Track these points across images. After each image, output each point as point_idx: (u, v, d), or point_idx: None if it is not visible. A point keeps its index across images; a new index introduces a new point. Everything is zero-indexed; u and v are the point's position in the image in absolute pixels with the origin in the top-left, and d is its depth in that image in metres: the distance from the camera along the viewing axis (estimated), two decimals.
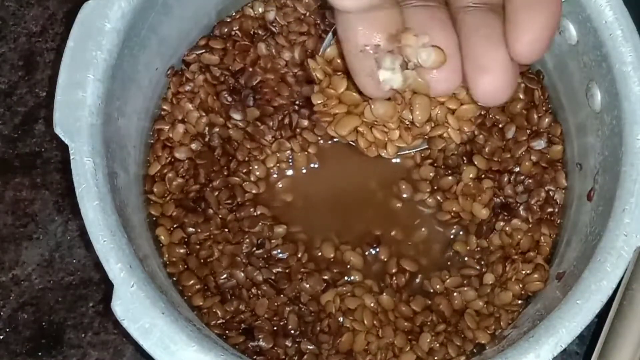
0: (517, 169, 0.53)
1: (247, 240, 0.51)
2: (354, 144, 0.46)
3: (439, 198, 0.53)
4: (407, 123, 0.45)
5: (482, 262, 0.52)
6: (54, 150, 0.58)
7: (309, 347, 0.49)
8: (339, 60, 0.45)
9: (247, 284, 0.51)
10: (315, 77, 0.46)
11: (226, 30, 0.55)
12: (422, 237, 0.53)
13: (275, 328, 0.50)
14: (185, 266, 0.51)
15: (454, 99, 0.45)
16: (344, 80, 0.45)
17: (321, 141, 0.54)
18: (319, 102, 0.46)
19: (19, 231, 0.57)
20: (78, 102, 0.43)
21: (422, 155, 0.54)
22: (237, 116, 0.54)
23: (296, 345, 0.50)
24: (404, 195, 0.54)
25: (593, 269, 0.43)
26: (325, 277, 0.51)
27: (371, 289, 0.51)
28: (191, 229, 0.51)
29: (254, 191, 0.53)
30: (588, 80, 0.48)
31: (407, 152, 0.47)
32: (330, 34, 0.46)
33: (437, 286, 0.51)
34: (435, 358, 0.49)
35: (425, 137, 0.45)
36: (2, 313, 0.55)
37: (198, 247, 0.51)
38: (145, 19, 0.47)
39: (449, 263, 0.53)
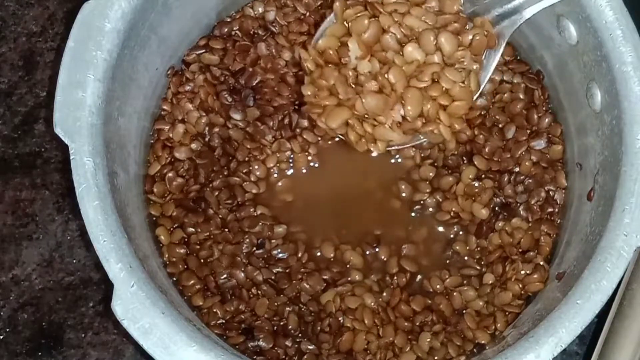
0: (517, 169, 0.53)
1: (247, 240, 0.51)
2: (342, 137, 0.46)
3: (438, 198, 0.53)
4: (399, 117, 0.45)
5: (482, 262, 0.52)
6: (54, 150, 0.58)
7: (309, 347, 0.49)
8: (331, 52, 0.45)
9: (247, 284, 0.51)
10: (307, 68, 0.46)
11: (226, 30, 0.55)
12: (422, 237, 0.53)
13: (275, 328, 0.50)
14: (185, 266, 0.51)
15: (446, 95, 0.45)
16: (335, 72, 0.45)
17: (321, 141, 0.54)
18: (309, 93, 0.45)
19: (19, 231, 0.57)
20: (78, 102, 0.43)
21: (422, 155, 0.54)
22: (237, 116, 0.54)
23: (296, 345, 0.49)
24: (404, 195, 0.54)
25: (593, 269, 0.43)
26: (325, 277, 0.51)
27: (371, 288, 0.51)
28: (191, 229, 0.51)
29: (254, 191, 0.53)
30: (588, 80, 0.48)
31: (397, 147, 0.47)
32: (323, 25, 0.46)
33: (437, 286, 0.51)
34: (435, 358, 0.49)
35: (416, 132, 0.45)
36: (2, 313, 0.55)
37: (198, 247, 0.51)
38: (145, 19, 0.47)
39: (448, 263, 0.53)
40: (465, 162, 0.53)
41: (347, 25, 0.45)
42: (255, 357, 0.49)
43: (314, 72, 0.46)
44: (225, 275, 0.51)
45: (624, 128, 0.44)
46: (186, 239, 0.52)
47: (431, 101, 0.44)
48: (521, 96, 0.54)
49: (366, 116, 0.45)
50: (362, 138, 0.46)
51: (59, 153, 0.58)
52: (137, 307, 0.41)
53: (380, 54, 0.44)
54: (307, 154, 0.54)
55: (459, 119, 0.45)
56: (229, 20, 0.56)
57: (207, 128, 0.53)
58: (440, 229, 0.53)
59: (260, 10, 0.56)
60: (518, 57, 0.56)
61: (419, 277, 0.52)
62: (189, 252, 0.51)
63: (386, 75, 0.44)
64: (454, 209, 0.53)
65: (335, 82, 0.44)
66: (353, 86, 0.45)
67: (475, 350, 0.50)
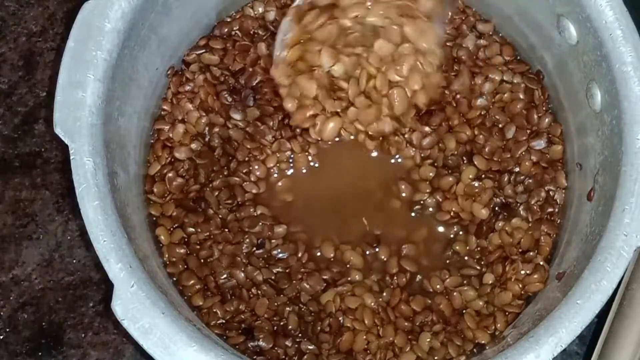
0: (517, 169, 0.53)
1: (247, 240, 0.51)
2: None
3: (438, 198, 0.53)
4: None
5: (482, 262, 0.52)
6: (54, 150, 0.58)
7: (309, 347, 0.49)
8: (300, 64, 0.45)
9: (247, 284, 0.51)
10: (281, 85, 0.46)
11: (226, 30, 0.55)
12: (422, 237, 0.53)
13: (275, 328, 0.50)
14: (185, 266, 0.51)
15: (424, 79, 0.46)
16: (313, 81, 0.45)
17: (321, 141, 0.54)
18: (290, 105, 0.46)
19: (19, 231, 0.57)
20: (78, 102, 0.43)
21: (422, 155, 0.54)
22: (237, 116, 0.54)
23: (296, 345, 0.49)
24: (404, 195, 0.54)
25: (593, 269, 0.43)
26: (325, 277, 0.51)
27: (371, 288, 0.51)
28: (191, 229, 0.51)
29: (254, 191, 0.53)
30: (588, 80, 0.48)
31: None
32: (278, 36, 0.46)
33: (437, 286, 0.51)
34: (435, 358, 0.49)
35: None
36: (2, 313, 0.55)
37: (198, 247, 0.51)
38: (145, 19, 0.47)
39: (448, 263, 0.53)
40: (465, 162, 0.53)
41: (306, 30, 0.45)
42: (255, 357, 0.49)
43: (292, 86, 0.46)
44: (225, 275, 0.51)
45: (624, 128, 0.44)
46: (186, 239, 0.52)
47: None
48: (521, 96, 0.54)
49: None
50: (353, 134, 0.46)
51: (59, 153, 0.58)
52: (137, 307, 0.41)
53: (348, 50, 0.44)
54: (307, 154, 0.54)
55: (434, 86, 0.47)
56: (229, 20, 0.56)
57: (207, 128, 0.53)
58: (440, 229, 0.53)
59: (260, 10, 0.56)
60: (518, 57, 0.56)
61: (419, 277, 0.52)
62: (189, 252, 0.51)
63: (371, 83, 0.44)
64: (454, 209, 0.53)
65: (318, 95, 0.45)
66: (333, 92, 0.45)
67: (475, 350, 0.50)
